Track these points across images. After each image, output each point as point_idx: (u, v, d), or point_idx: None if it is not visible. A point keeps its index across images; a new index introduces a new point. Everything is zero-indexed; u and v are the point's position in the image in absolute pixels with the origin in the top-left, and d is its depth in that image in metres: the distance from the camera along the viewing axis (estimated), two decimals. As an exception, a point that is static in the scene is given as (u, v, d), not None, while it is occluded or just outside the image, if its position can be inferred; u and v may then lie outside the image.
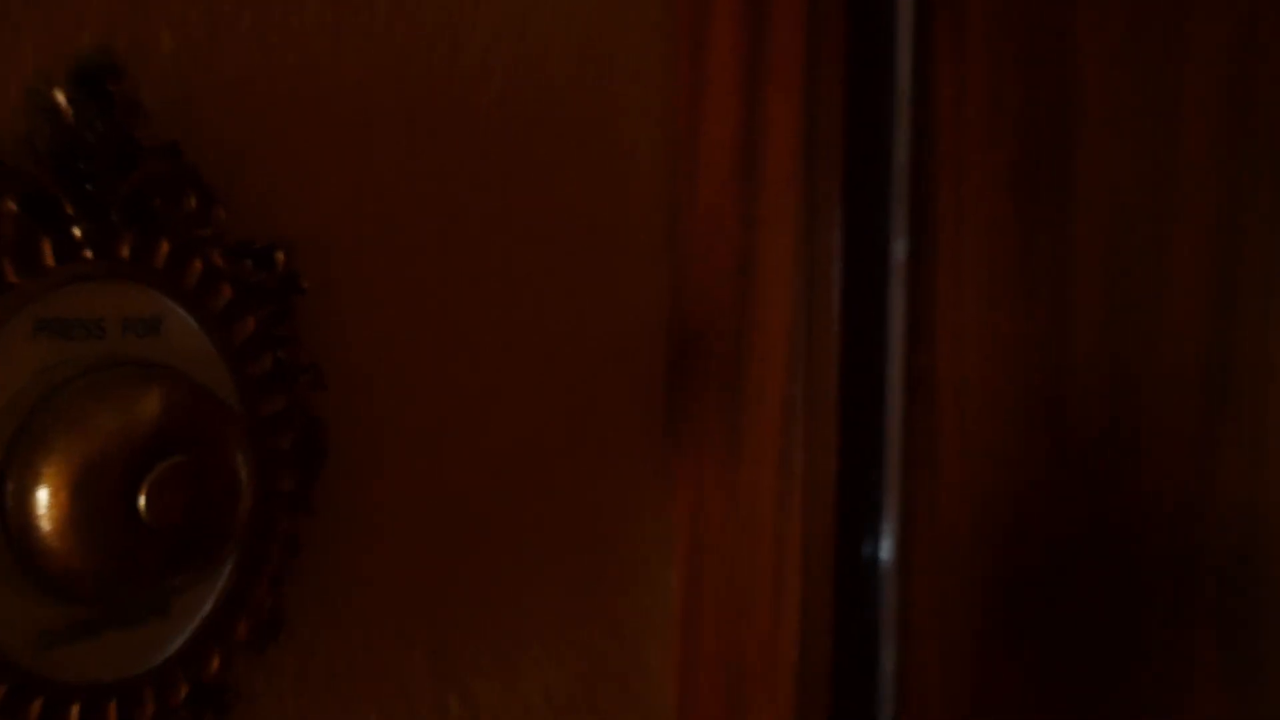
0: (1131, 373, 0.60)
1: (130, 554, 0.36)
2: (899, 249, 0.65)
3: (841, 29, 0.61)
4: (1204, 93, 0.59)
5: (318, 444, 0.46)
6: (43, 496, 0.34)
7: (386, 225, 0.50)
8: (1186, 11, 0.59)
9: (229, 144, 0.43)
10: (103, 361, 0.38)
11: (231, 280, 0.43)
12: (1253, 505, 0.57)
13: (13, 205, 0.36)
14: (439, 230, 0.52)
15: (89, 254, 0.39)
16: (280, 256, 0.44)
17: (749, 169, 0.62)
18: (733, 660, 0.63)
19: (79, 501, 0.34)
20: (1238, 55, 0.58)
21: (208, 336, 0.42)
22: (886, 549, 0.67)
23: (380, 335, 0.51)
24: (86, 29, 0.39)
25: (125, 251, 0.40)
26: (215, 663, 0.42)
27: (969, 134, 0.62)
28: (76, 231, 0.37)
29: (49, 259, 0.37)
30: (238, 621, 0.43)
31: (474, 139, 0.54)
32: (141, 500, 0.36)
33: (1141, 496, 0.59)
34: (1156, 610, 0.60)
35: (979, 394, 0.63)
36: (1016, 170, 0.62)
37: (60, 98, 0.37)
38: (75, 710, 0.38)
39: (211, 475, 0.38)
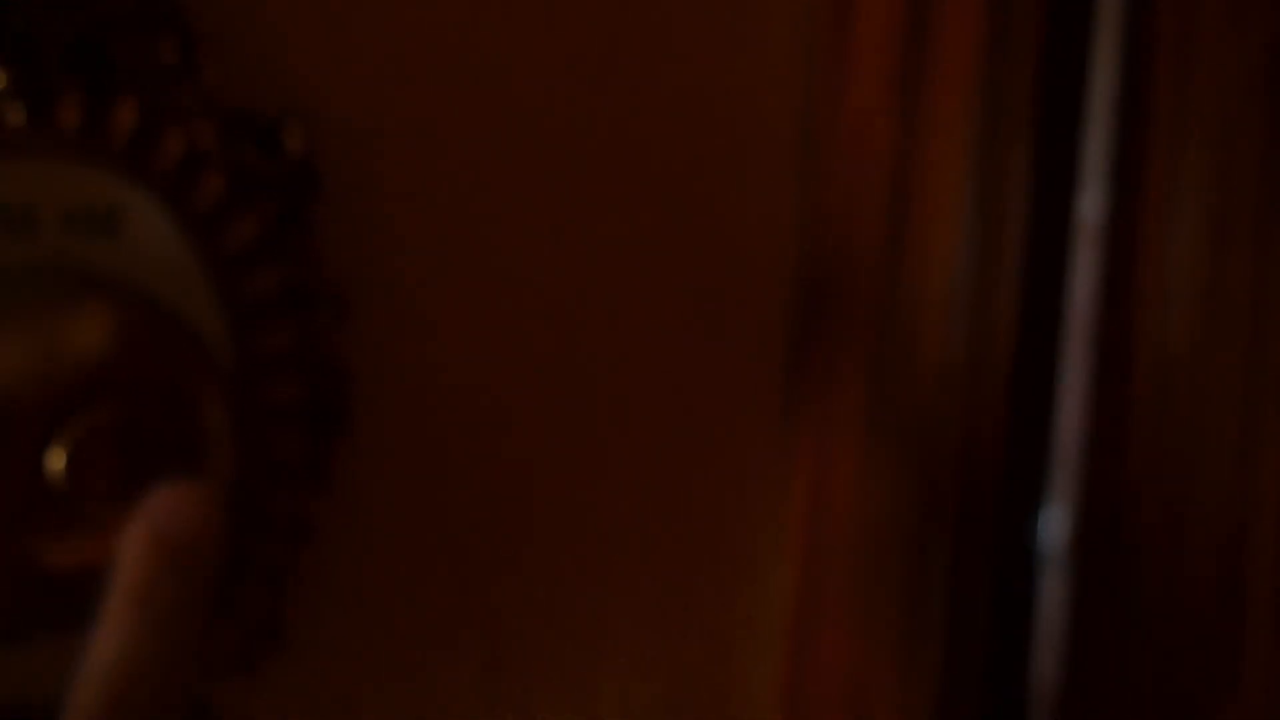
0: None
1: (39, 531, 0.25)
2: (1095, 184, 0.51)
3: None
4: None
5: (338, 399, 0.34)
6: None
7: (445, 103, 0.37)
8: None
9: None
10: (28, 266, 0.27)
11: (225, 165, 0.30)
12: None
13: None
14: (514, 118, 0.39)
15: (18, 117, 0.27)
16: (293, 136, 0.32)
17: (912, 70, 0.48)
18: (852, 680, 0.50)
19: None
20: None
21: (187, 242, 0.30)
22: (1054, 545, 0.53)
23: (428, 255, 0.39)
24: None
25: (71, 116, 0.28)
26: (187, 682, 0.30)
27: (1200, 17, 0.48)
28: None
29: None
30: (221, 631, 0.31)
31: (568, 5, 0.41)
32: (56, 462, 0.24)
33: None
34: None
35: (1190, 361, 0.49)
36: (1263, 66, 0.48)
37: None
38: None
39: (162, 434, 0.25)
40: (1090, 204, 0.52)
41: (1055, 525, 0.54)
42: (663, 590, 0.48)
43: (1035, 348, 0.52)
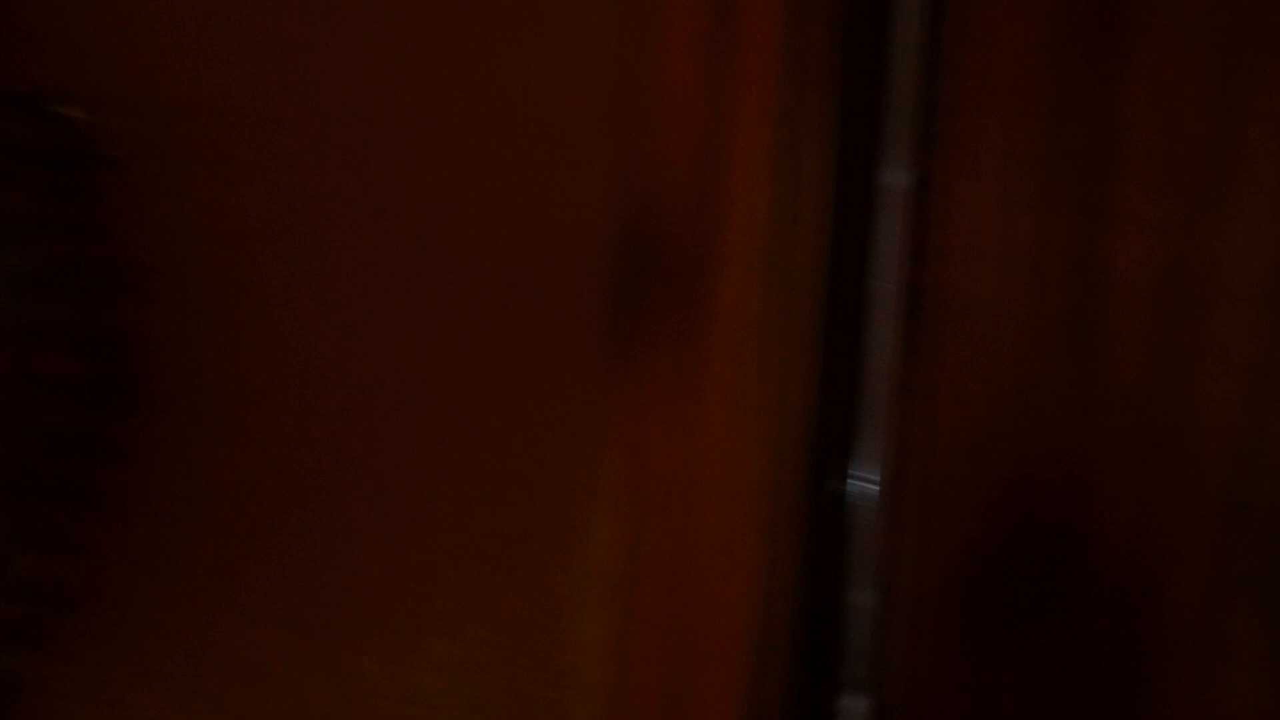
0: (1183, 288, 0.48)
1: None
2: (900, 142, 0.53)
3: None
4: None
5: (122, 371, 0.33)
6: None
7: (259, 83, 0.37)
8: None
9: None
10: None
11: (-15, 140, 0.30)
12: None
13: None
14: (328, 92, 0.39)
15: None
16: (70, 113, 0.32)
17: (719, 36, 0.49)
18: (678, 629, 0.52)
19: None
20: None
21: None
22: (867, 497, 0.56)
23: (239, 227, 0.39)
24: None
25: None
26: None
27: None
28: None
29: None
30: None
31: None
32: None
33: (1188, 432, 0.48)
34: (1198, 577, 0.49)
35: (992, 314, 0.51)
36: (1051, 44, 0.50)
37: None
38: None
39: None
40: (894, 164, 0.55)
41: (868, 483, 0.57)
42: (487, 548, 0.49)
43: (843, 302, 0.54)
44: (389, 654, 0.44)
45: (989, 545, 0.54)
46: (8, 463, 0.29)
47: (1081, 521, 0.53)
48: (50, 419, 0.31)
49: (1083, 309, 0.51)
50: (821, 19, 0.52)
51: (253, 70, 0.39)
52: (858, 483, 0.58)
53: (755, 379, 0.52)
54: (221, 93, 0.38)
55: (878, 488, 0.57)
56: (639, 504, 0.53)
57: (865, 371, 0.57)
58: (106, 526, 0.36)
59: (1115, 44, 0.50)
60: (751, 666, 0.54)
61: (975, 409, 0.53)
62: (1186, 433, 0.49)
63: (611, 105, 0.51)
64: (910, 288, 0.54)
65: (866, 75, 0.54)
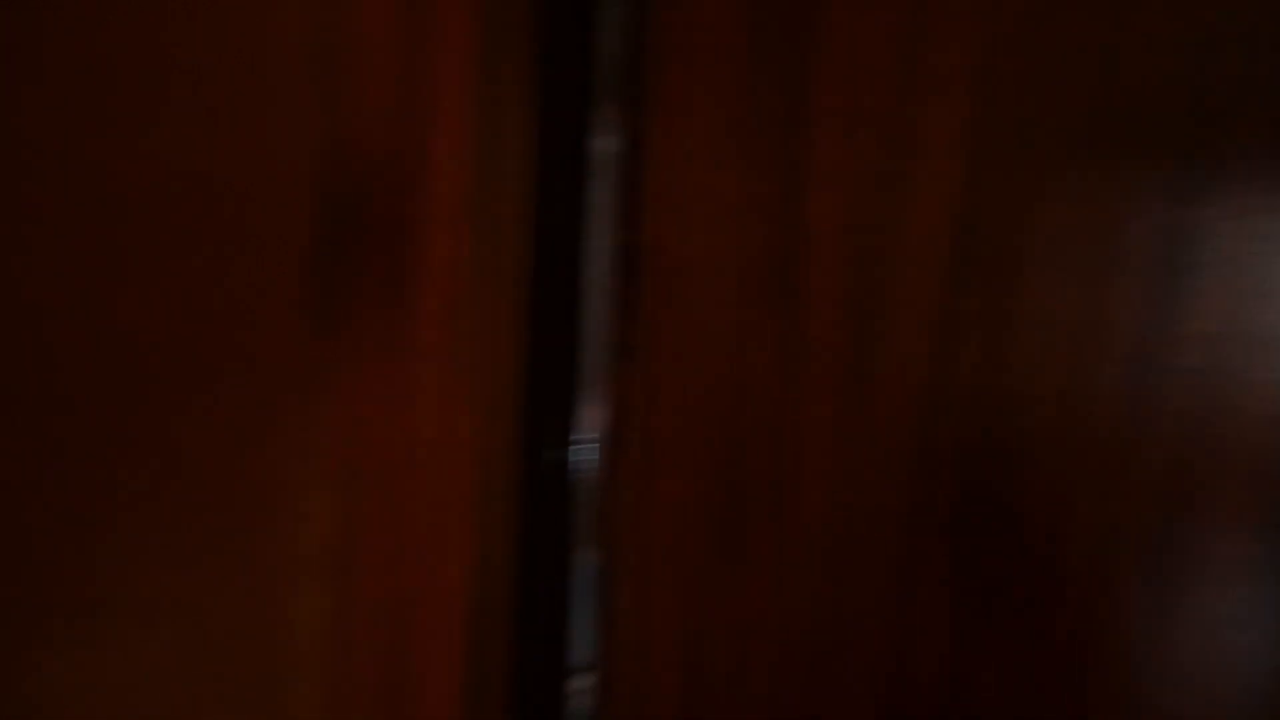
0: (873, 243, 0.50)
1: None
2: (610, 103, 0.53)
3: None
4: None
5: None
6: None
7: None
8: None
9: None
10: None
11: None
12: (992, 391, 0.49)
13: None
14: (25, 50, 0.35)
15: None
16: None
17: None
18: (397, 604, 0.50)
19: None
20: None
21: None
22: (587, 460, 0.55)
23: None
24: None
25: None
26: None
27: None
28: None
29: None
30: None
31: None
32: None
33: (881, 381, 0.50)
34: (893, 513, 0.51)
35: (702, 273, 0.52)
36: (749, 8, 0.51)
37: None
38: None
39: None
40: (603, 122, 0.54)
41: (586, 445, 0.57)
42: (191, 526, 0.45)
43: (557, 264, 0.54)
44: (86, 640, 0.40)
45: (707, 501, 0.55)
46: None
47: (790, 473, 0.54)
48: None
49: (785, 265, 0.52)
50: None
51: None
52: (582, 448, 0.58)
53: (466, 342, 0.51)
54: None
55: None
56: (352, 475, 0.50)
57: (585, 336, 0.57)
58: None
59: (808, 9, 0.51)
60: (472, 639, 0.53)
61: (690, 367, 0.54)
62: (879, 381, 0.51)
63: (309, 60, 0.49)
64: (623, 248, 0.54)
65: (573, 34, 0.53)
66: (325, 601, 0.51)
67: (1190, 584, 0.48)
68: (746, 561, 0.54)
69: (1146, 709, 0.49)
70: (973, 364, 0.49)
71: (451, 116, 0.48)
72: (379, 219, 0.49)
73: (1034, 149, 0.48)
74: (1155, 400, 0.48)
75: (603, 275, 0.55)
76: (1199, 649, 0.48)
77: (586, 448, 0.56)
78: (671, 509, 0.54)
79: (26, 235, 0.40)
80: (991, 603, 0.50)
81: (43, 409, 0.41)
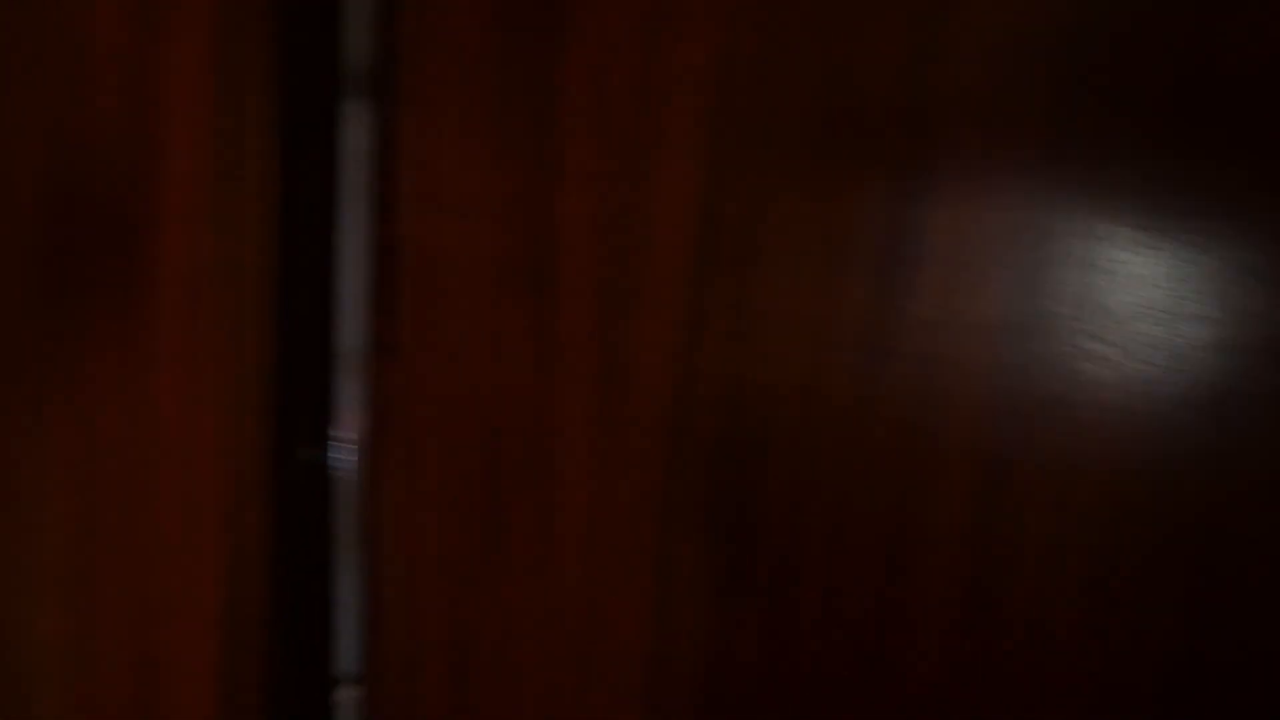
0: (621, 239, 0.51)
1: None
2: (355, 93, 0.52)
3: None
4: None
5: None
6: None
7: None
8: None
9: None
10: None
11: None
12: (738, 384, 0.50)
13: None
14: None
15: None
16: None
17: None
18: (143, 614, 0.48)
19: None
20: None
21: None
22: (345, 457, 0.55)
23: None
24: None
25: None
26: None
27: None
28: None
29: None
30: None
31: None
32: None
33: (633, 376, 0.51)
34: (650, 506, 0.52)
35: (458, 268, 0.52)
36: (497, 9, 0.51)
37: None
38: None
39: None
40: (353, 112, 0.54)
41: (343, 442, 0.56)
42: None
43: (306, 258, 0.53)
44: None
45: (469, 498, 0.55)
46: None
47: (549, 468, 0.55)
48: None
49: (538, 262, 0.53)
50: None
51: None
52: (342, 448, 0.57)
53: (208, 341, 0.49)
54: None
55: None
56: (90, 482, 0.49)
57: (342, 334, 0.56)
58: None
59: (553, 8, 0.52)
60: (226, 649, 0.52)
61: (449, 364, 0.54)
62: (632, 376, 0.52)
63: (34, 54, 0.47)
64: (378, 243, 0.54)
65: (318, 29, 0.53)
66: (67, 614, 0.49)
67: (922, 569, 0.50)
68: (510, 558, 0.54)
69: (890, 693, 0.51)
70: (718, 357, 0.50)
71: (186, 113, 0.47)
72: (110, 217, 0.47)
73: (770, 148, 0.49)
74: (883, 386, 0.50)
75: (360, 272, 0.54)
76: (935, 630, 0.50)
77: (346, 447, 0.56)
78: (434, 507, 0.54)
79: None
80: (745, 593, 0.51)
81: None
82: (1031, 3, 0.47)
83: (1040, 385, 0.48)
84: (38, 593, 0.49)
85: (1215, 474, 0.46)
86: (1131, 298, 0.47)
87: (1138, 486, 0.47)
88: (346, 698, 0.57)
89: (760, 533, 0.51)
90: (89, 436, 0.49)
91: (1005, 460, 0.49)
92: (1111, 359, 0.47)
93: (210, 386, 0.50)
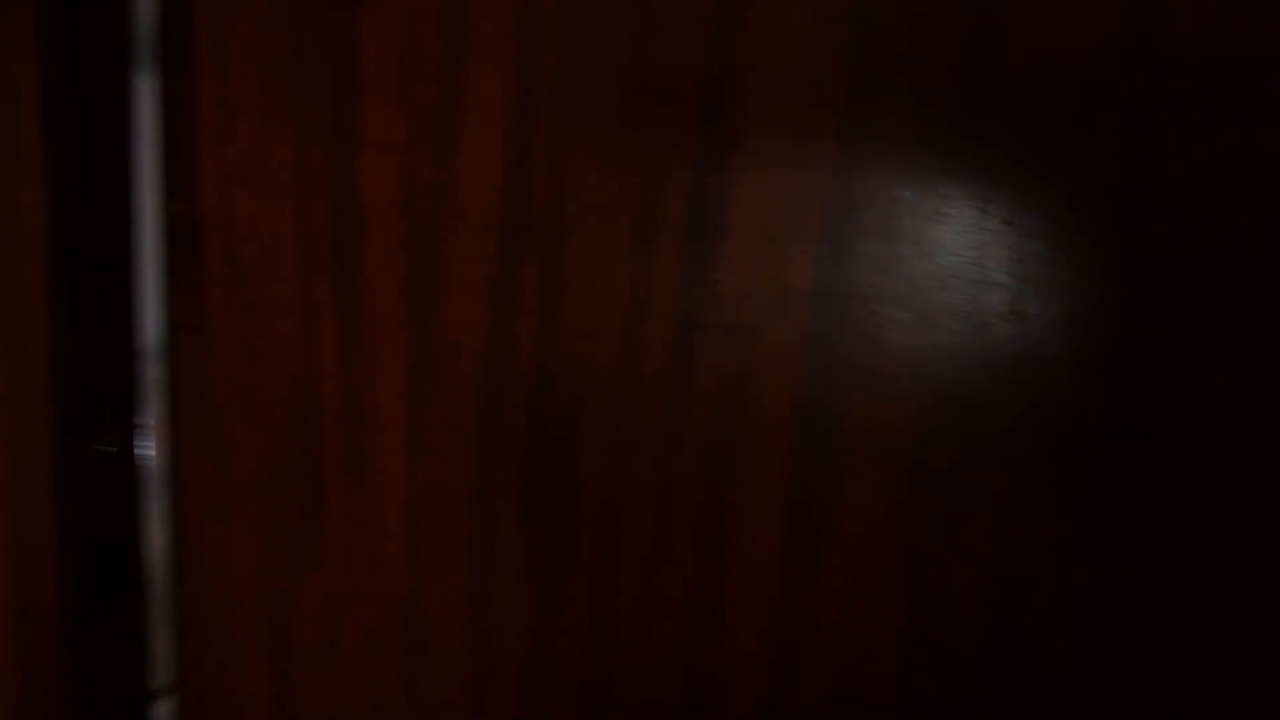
0: (428, 213, 0.50)
1: None
2: (153, 68, 0.50)
3: None
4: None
5: None
6: None
7: None
8: None
9: None
10: None
11: None
12: (551, 359, 0.49)
13: None
14: None
15: None
16: None
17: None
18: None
19: None
20: None
21: None
22: (148, 448, 0.52)
23: None
24: None
25: None
26: None
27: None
28: None
29: None
30: None
31: None
32: None
33: (445, 353, 0.50)
34: (468, 485, 0.51)
35: (260, 244, 0.50)
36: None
37: None
38: None
39: None
40: (145, 86, 0.51)
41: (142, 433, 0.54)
42: None
43: (95, 240, 0.50)
44: None
45: (284, 484, 0.53)
46: None
47: (364, 449, 0.53)
48: None
49: (343, 237, 0.51)
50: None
51: None
52: (148, 438, 0.55)
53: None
54: None
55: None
56: None
57: (143, 318, 0.54)
58: None
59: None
60: (15, 650, 0.49)
61: (257, 346, 0.52)
62: (444, 354, 0.51)
63: None
64: (175, 221, 0.51)
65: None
66: None
67: (742, 537, 0.50)
68: (329, 549, 0.53)
69: (713, 667, 0.51)
70: (530, 332, 0.49)
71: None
72: None
73: (575, 118, 0.48)
74: (695, 358, 0.49)
75: (161, 252, 0.52)
76: (758, 601, 0.50)
77: (153, 439, 0.54)
78: (246, 498, 0.52)
79: None
80: (566, 572, 0.51)
81: None
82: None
83: (848, 354, 0.47)
84: None
85: (1014, 436, 0.47)
86: (933, 267, 0.47)
87: (944, 450, 0.47)
88: (164, 710, 0.55)
89: (578, 511, 0.51)
90: None
91: (819, 429, 0.49)
92: (915, 326, 0.47)
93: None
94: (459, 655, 0.53)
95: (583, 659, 0.51)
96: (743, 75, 0.46)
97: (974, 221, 0.46)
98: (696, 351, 0.48)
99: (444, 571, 0.52)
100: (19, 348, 0.48)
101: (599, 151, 0.48)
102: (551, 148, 0.48)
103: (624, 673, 0.51)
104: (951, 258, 0.46)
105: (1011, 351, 0.46)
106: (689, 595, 0.50)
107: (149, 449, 0.54)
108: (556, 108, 0.48)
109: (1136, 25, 0.42)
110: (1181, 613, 0.44)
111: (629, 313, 0.48)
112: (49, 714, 0.51)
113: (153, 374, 0.54)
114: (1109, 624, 0.45)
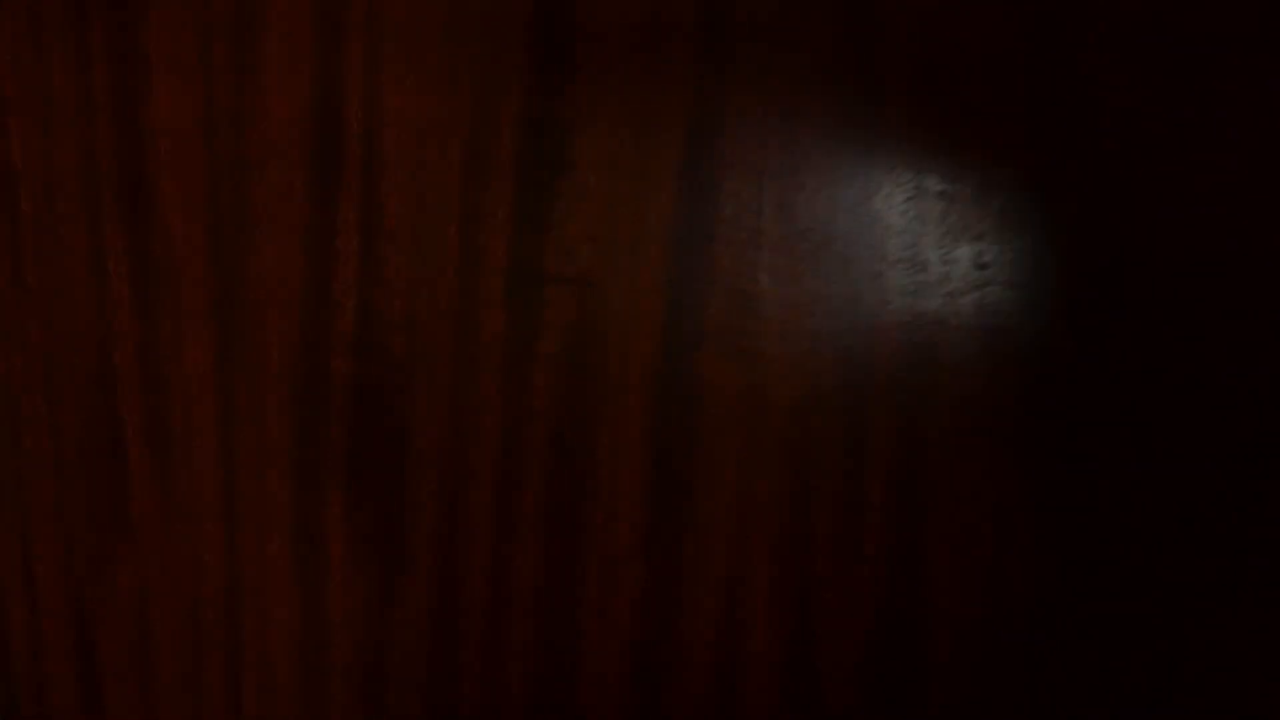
0: (218, 136, 0.42)
1: None
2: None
3: None
4: None
5: None
6: None
7: None
8: None
9: None
10: None
11: None
12: (378, 312, 0.42)
13: None
14: None
15: None
16: None
17: None
18: None
19: None
20: None
21: None
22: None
23: None
24: None
25: None
26: None
27: None
28: None
29: None
30: None
31: None
32: None
33: (256, 305, 0.43)
34: (286, 453, 0.44)
35: (45, 183, 0.42)
36: None
37: None
38: None
39: None
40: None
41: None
42: None
43: None
44: None
45: (85, 458, 0.46)
46: None
47: (169, 418, 0.46)
48: None
49: (134, 172, 0.43)
50: None
51: None
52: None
53: None
54: None
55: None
56: None
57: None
58: None
59: None
60: None
61: (46, 301, 0.45)
62: (255, 306, 0.44)
63: None
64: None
65: None
66: None
67: (598, 528, 0.43)
68: (137, 535, 0.46)
69: (569, 669, 0.44)
70: (350, 285, 0.42)
71: None
72: None
73: (393, 32, 0.40)
74: (541, 314, 0.42)
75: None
76: (617, 604, 0.43)
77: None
78: (45, 470, 0.45)
79: None
80: (400, 552, 0.44)
81: None
82: None
83: (715, 311, 0.40)
84: None
85: (909, 393, 0.39)
86: (816, 205, 0.39)
87: (821, 417, 0.40)
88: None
89: (413, 493, 0.43)
90: None
91: (679, 397, 0.41)
92: (790, 274, 0.39)
93: None
94: (286, 657, 0.46)
95: (422, 660, 0.44)
96: (572, 12, 0.39)
97: (866, 153, 0.38)
98: (538, 307, 0.41)
99: (265, 553, 0.45)
100: None
101: (419, 70, 0.40)
102: (366, 66, 0.40)
103: (470, 676, 0.44)
104: (840, 193, 0.38)
105: (908, 305, 0.38)
106: (540, 586, 0.43)
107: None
108: (361, 24, 0.40)
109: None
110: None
111: (461, 261, 0.41)
112: None
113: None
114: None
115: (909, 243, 0.38)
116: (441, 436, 0.43)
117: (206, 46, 0.42)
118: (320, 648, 0.46)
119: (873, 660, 0.40)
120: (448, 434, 0.43)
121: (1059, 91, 0.35)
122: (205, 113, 0.42)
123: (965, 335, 0.38)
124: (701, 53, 0.38)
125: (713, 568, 0.41)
